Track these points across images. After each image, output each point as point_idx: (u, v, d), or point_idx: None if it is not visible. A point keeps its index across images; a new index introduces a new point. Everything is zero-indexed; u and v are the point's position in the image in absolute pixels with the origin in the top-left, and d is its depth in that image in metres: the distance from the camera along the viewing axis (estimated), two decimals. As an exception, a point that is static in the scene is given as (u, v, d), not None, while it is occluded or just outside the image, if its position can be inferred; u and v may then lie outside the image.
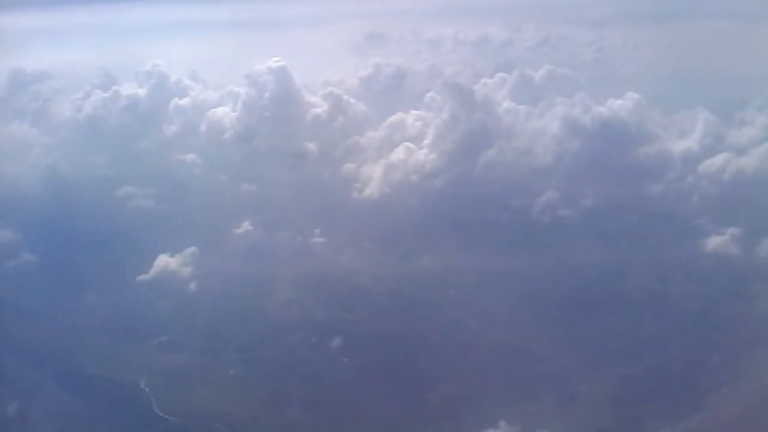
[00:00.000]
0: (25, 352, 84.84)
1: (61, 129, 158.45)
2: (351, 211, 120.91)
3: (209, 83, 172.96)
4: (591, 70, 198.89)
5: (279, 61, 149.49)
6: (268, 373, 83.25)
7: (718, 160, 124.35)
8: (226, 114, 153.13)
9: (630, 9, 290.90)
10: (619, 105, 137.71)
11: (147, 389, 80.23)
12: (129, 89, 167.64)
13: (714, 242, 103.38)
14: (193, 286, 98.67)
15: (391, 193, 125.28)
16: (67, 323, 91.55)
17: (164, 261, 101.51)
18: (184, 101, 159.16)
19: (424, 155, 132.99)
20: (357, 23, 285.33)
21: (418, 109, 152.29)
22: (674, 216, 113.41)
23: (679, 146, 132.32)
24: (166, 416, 76.13)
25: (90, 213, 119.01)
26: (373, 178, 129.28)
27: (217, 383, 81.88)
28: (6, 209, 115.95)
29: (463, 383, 78.73)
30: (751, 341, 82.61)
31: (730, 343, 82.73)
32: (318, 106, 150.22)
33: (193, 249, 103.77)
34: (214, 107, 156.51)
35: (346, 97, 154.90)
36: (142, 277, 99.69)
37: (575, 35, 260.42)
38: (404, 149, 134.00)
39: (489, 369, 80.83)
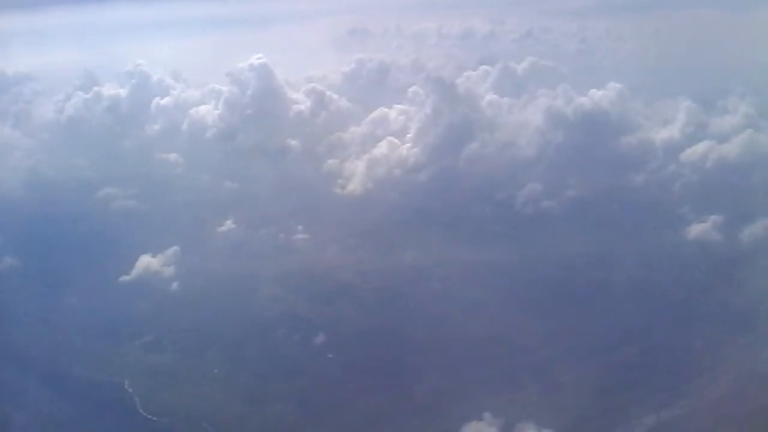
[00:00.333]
0: (8, 354, 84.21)
1: (42, 131, 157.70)
2: (334, 207, 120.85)
3: (191, 82, 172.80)
4: (574, 61, 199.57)
5: (260, 58, 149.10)
6: (253, 371, 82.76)
7: (700, 148, 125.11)
8: (208, 112, 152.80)
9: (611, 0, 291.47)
10: (601, 95, 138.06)
11: (131, 390, 79.64)
12: (111, 90, 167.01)
13: (696, 230, 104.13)
14: (175, 285, 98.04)
15: (374, 188, 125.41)
16: (50, 326, 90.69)
17: (146, 261, 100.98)
18: (166, 100, 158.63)
19: (407, 150, 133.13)
20: (340, 19, 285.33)
21: (401, 104, 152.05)
22: (657, 205, 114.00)
23: (661, 135, 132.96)
24: (150, 416, 75.62)
25: (72, 214, 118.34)
26: (356, 174, 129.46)
27: (202, 382, 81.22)
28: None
29: (448, 376, 78.81)
30: (734, 327, 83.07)
31: (713, 330, 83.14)
32: (300, 102, 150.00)
33: (175, 248, 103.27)
34: (197, 106, 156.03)
35: (328, 93, 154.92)
36: (125, 277, 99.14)
37: (558, 26, 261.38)
38: (387, 144, 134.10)
39: (473, 361, 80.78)
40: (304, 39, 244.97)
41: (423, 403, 74.97)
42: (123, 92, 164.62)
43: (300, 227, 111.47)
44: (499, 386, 76.39)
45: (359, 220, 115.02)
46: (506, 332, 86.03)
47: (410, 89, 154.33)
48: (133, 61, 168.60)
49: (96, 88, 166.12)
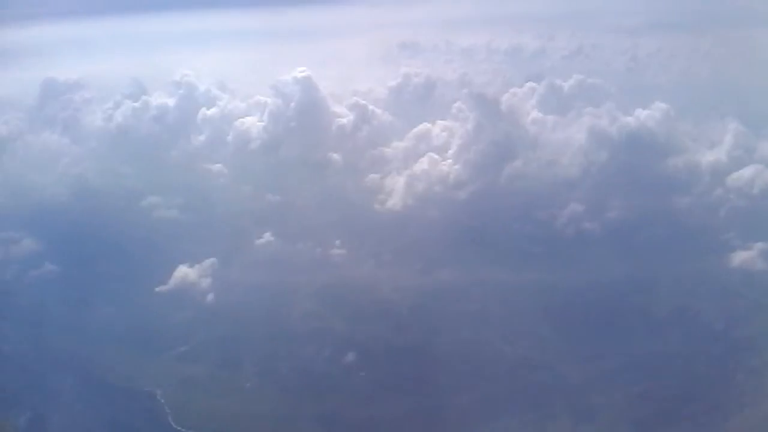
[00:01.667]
0: (43, 361, 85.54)
1: (91, 138, 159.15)
2: (373, 222, 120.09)
3: (238, 93, 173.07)
4: (623, 79, 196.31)
5: (304, 71, 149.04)
6: (285, 385, 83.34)
7: (747, 172, 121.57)
8: (253, 124, 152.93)
9: (666, 18, 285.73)
10: (647, 115, 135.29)
11: (163, 400, 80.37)
12: (158, 99, 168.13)
13: (741, 257, 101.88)
14: (211, 297, 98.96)
15: (414, 204, 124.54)
16: (86, 333, 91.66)
17: (183, 272, 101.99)
18: (212, 111, 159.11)
19: (448, 166, 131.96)
20: (389, 33, 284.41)
21: (446, 119, 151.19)
22: (701, 229, 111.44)
23: (708, 158, 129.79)
24: (180, 428, 76.12)
25: (114, 223, 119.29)
26: (396, 189, 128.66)
27: (233, 396, 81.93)
28: (32, 219, 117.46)
29: (479, 398, 78.40)
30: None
31: (755, 360, 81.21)
32: (343, 116, 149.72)
33: (212, 260, 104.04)
34: (242, 117, 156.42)
35: (371, 107, 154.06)
36: (162, 287, 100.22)
37: (610, 44, 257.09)
38: (428, 160, 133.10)
39: (507, 385, 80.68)
40: (352, 52, 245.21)
41: (453, 425, 74.45)
42: (170, 102, 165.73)
43: (338, 242, 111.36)
44: (530, 411, 75.89)
45: (397, 236, 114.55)
46: (542, 355, 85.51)
47: (454, 105, 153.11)
48: (181, 72, 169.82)
49: (144, 97, 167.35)
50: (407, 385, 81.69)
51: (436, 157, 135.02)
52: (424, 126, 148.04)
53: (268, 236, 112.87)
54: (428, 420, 76.37)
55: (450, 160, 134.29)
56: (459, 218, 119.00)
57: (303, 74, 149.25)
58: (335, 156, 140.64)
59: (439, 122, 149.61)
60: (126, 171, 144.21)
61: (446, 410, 77.72)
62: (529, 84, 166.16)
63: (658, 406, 76.27)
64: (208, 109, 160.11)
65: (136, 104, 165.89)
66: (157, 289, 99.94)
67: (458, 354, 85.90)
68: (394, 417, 76.63)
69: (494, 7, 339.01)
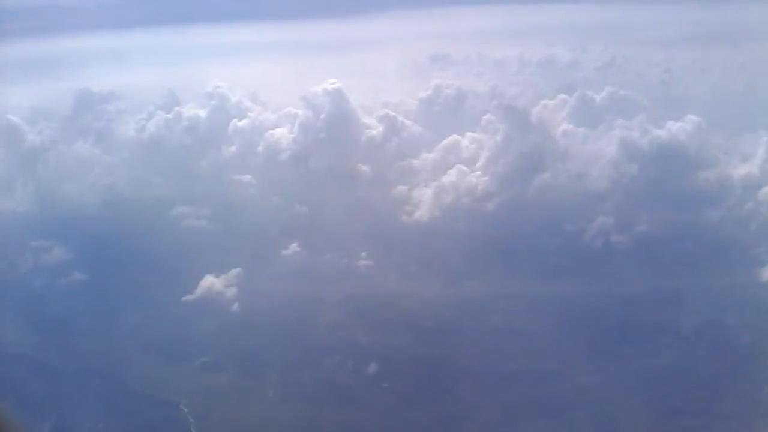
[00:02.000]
0: (69, 368, 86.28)
1: (123, 148, 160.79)
2: (400, 234, 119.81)
3: (270, 105, 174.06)
4: (656, 91, 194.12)
5: (335, 82, 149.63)
6: (308, 396, 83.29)
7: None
8: (283, 135, 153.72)
9: (702, 29, 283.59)
10: (679, 128, 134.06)
11: (186, 410, 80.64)
12: (191, 110, 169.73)
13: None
14: (236, 307, 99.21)
15: (442, 216, 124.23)
16: (112, 342, 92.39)
17: (209, 281, 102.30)
18: (244, 122, 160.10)
19: (477, 178, 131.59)
20: (421, 44, 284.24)
21: (476, 131, 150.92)
22: (731, 243, 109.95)
23: (739, 171, 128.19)
24: (203, 438, 76.48)
25: (143, 232, 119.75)
26: (423, 201, 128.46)
27: (257, 406, 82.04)
28: (62, 228, 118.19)
29: (502, 412, 77.86)
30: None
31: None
32: (373, 127, 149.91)
33: (238, 270, 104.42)
34: (273, 129, 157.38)
35: (401, 118, 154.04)
36: (188, 297, 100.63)
37: (643, 56, 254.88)
38: (456, 172, 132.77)
39: (530, 398, 79.89)
40: (384, 64, 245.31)
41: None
42: (202, 113, 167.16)
43: (364, 253, 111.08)
44: (551, 425, 75.11)
45: (424, 248, 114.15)
46: (565, 370, 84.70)
47: (484, 117, 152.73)
48: (213, 83, 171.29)
49: (177, 108, 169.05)
50: (429, 396, 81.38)
51: (465, 169, 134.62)
52: (453, 138, 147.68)
53: (294, 247, 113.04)
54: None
55: (478, 172, 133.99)
56: (486, 230, 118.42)
57: (333, 86, 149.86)
58: (364, 167, 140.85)
59: (469, 134, 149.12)
60: (157, 181, 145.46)
61: (467, 423, 77.31)
62: (561, 96, 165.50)
63: (683, 421, 75.32)
64: (239, 120, 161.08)
65: (169, 115, 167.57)
66: (183, 299, 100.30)
67: (481, 367, 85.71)
68: (415, 428, 76.21)
69: (527, 19, 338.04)
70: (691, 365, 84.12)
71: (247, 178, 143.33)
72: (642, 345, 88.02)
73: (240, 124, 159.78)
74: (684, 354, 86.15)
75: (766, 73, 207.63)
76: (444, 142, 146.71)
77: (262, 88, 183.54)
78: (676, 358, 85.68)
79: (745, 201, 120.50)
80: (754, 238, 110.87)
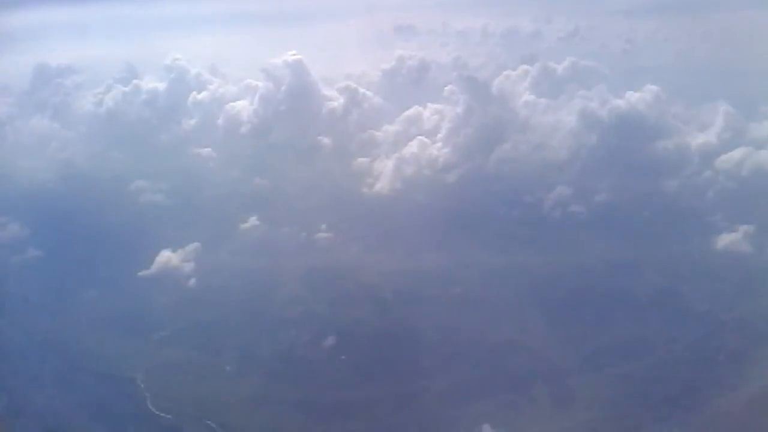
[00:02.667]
0: (24, 346, 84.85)
1: (81, 123, 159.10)
2: (360, 206, 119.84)
3: (230, 77, 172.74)
4: (618, 61, 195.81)
5: (295, 54, 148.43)
6: (265, 370, 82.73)
7: (737, 154, 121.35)
8: (243, 108, 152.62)
9: (664, 0, 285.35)
10: (638, 98, 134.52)
11: (143, 385, 79.84)
12: (149, 83, 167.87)
13: (726, 239, 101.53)
14: (193, 282, 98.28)
15: (402, 188, 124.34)
16: (67, 319, 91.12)
17: (166, 256, 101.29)
18: (203, 95, 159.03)
19: (437, 150, 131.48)
20: (385, 16, 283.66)
21: (439, 103, 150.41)
22: (688, 212, 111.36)
23: (697, 140, 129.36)
24: (158, 413, 75.68)
25: (100, 207, 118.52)
26: (385, 173, 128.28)
27: (213, 380, 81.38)
28: (19, 203, 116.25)
29: (457, 382, 78.01)
30: (757, 341, 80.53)
31: (738, 342, 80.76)
32: (334, 99, 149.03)
33: (195, 245, 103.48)
34: (233, 101, 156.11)
35: (362, 90, 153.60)
36: (144, 272, 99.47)
37: (606, 26, 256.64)
38: (418, 143, 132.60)
39: (485, 367, 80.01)
40: (347, 35, 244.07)
41: (427, 410, 74.24)
42: (161, 86, 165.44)
43: (324, 226, 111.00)
44: (508, 394, 75.42)
45: (384, 220, 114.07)
46: (522, 338, 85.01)
47: (446, 88, 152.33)
48: (172, 56, 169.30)
49: (135, 82, 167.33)
50: (389, 368, 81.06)
51: (426, 140, 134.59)
52: (415, 109, 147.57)
53: (253, 220, 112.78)
54: (408, 403, 75.88)
55: (440, 144, 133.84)
56: (447, 202, 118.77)
57: (294, 58, 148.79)
58: (325, 140, 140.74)
59: (431, 105, 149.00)
60: (115, 155, 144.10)
61: (427, 393, 77.28)
62: (523, 67, 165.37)
63: (640, 387, 75.78)
64: (198, 93, 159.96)
65: (127, 89, 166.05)
66: (140, 274, 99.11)
67: (441, 337, 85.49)
68: (370, 400, 76.12)
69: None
70: (647, 332, 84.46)
71: (206, 151, 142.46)
72: (600, 313, 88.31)
73: (199, 96, 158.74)
74: (641, 321, 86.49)
75: (726, 43, 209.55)
76: (406, 113, 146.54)
77: (221, 60, 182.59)
78: (633, 325, 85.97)
79: (703, 170, 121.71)
80: (711, 206, 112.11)
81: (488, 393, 75.90)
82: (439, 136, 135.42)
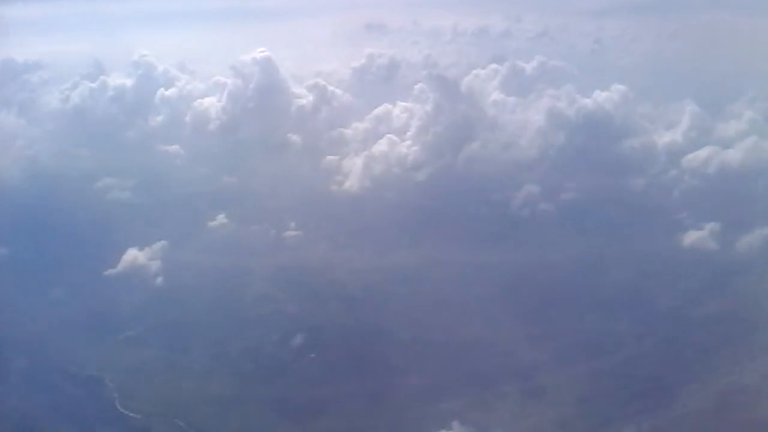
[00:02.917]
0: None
1: (47, 119, 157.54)
2: (329, 204, 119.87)
3: (198, 73, 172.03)
4: (586, 61, 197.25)
5: (263, 51, 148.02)
6: (234, 368, 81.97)
7: (703, 153, 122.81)
8: (212, 104, 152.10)
9: (633, 0, 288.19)
10: (605, 97, 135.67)
11: (111, 384, 79.13)
12: (117, 80, 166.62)
13: (692, 237, 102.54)
14: (160, 280, 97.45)
15: (372, 186, 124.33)
16: (34, 318, 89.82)
17: (133, 255, 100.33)
18: (171, 92, 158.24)
19: (407, 148, 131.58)
20: (357, 13, 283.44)
21: (408, 101, 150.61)
22: (655, 210, 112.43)
23: (664, 139, 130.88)
24: (127, 412, 75.06)
25: (67, 205, 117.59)
26: (354, 171, 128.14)
27: (182, 379, 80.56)
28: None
29: (427, 380, 77.79)
30: (723, 337, 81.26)
31: (704, 338, 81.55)
32: (303, 97, 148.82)
33: (162, 243, 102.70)
34: (201, 98, 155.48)
35: (331, 87, 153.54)
36: (111, 270, 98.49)
37: (575, 26, 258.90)
38: (387, 141, 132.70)
39: (455, 365, 79.90)
40: (318, 32, 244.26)
41: (397, 407, 73.91)
42: (128, 83, 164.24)
43: (293, 224, 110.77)
44: (478, 391, 75.46)
45: (353, 218, 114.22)
46: (492, 336, 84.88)
47: (416, 86, 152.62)
48: (139, 52, 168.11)
49: (102, 78, 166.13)
50: (359, 366, 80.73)
51: (395, 138, 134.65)
52: (384, 107, 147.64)
53: (221, 218, 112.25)
54: (378, 400, 75.78)
55: (409, 142, 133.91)
56: (416, 200, 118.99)
57: (262, 55, 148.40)
58: (294, 137, 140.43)
59: (400, 103, 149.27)
60: (82, 152, 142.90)
61: (397, 391, 77.07)
62: (492, 66, 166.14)
63: (610, 383, 76.24)
64: (166, 89, 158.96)
65: (94, 85, 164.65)
66: (106, 273, 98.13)
67: (411, 335, 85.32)
68: (339, 398, 75.95)
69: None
70: (616, 329, 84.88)
71: (174, 148, 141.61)
72: (569, 310, 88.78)
73: (167, 93, 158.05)
74: (609, 318, 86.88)
75: (693, 43, 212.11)
76: (375, 111, 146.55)
77: (190, 56, 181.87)
78: (602, 322, 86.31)
79: (669, 168, 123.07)
80: (678, 205, 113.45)
81: (458, 390, 75.71)
82: (409, 134, 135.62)
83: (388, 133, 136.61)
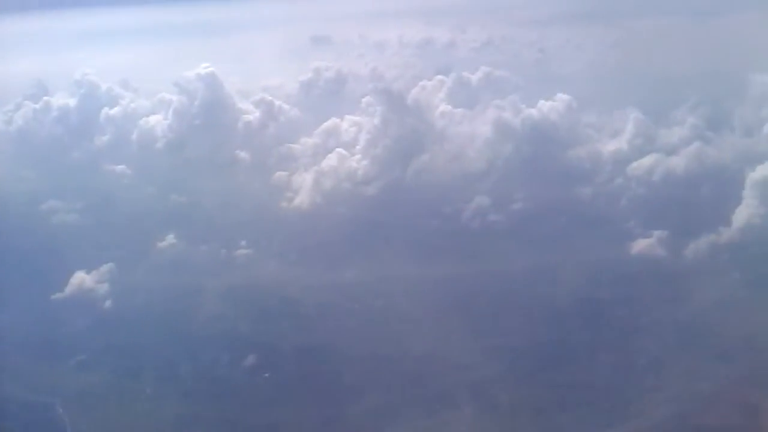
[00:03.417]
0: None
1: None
2: (280, 221, 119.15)
3: (142, 91, 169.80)
4: (531, 70, 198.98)
5: (207, 67, 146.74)
6: (187, 390, 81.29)
7: (647, 161, 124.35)
8: (158, 122, 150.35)
9: (577, 8, 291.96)
10: (550, 107, 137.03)
11: (61, 410, 77.90)
12: (60, 100, 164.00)
13: (640, 245, 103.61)
14: (108, 303, 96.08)
15: (322, 201, 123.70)
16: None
17: (80, 278, 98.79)
18: (115, 110, 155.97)
19: (356, 162, 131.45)
20: (302, 27, 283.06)
21: (356, 114, 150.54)
22: (603, 219, 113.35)
23: (609, 147, 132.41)
24: (79, 439, 74.05)
25: (12, 228, 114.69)
26: (303, 187, 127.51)
27: (134, 403, 79.72)
28: None
29: (382, 397, 77.89)
30: (674, 342, 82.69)
31: (654, 345, 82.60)
32: (250, 112, 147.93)
33: (110, 265, 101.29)
34: (146, 116, 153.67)
35: (278, 102, 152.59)
36: (58, 295, 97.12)
37: (520, 36, 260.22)
38: (336, 156, 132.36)
39: (409, 381, 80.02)
40: (263, 47, 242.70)
41: (351, 426, 74.04)
42: (72, 102, 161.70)
43: (243, 242, 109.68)
44: (432, 407, 75.70)
45: (304, 235, 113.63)
46: (446, 350, 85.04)
47: (363, 99, 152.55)
48: (82, 70, 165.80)
49: (45, 98, 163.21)
50: (313, 385, 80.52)
51: (345, 152, 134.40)
52: (333, 121, 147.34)
53: (170, 238, 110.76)
54: (333, 419, 75.61)
55: (358, 156, 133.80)
56: (366, 214, 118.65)
57: (206, 70, 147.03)
58: (242, 154, 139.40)
59: (348, 117, 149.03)
60: (26, 174, 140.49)
61: (351, 409, 77.01)
62: (439, 77, 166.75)
63: (563, 392, 76.81)
64: (110, 108, 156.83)
65: (37, 106, 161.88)
66: (53, 297, 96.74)
67: (365, 351, 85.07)
68: (294, 417, 75.74)
69: (408, 0, 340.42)
70: (568, 338, 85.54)
71: (120, 168, 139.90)
72: (521, 321, 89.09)
73: (111, 112, 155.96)
74: (561, 328, 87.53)
75: (636, 49, 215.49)
76: (324, 125, 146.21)
77: (133, 73, 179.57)
78: (553, 332, 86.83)
79: (615, 177, 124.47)
80: (625, 213, 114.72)
81: (412, 407, 76.08)
82: (358, 148, 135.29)
83: (338, 147, 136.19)
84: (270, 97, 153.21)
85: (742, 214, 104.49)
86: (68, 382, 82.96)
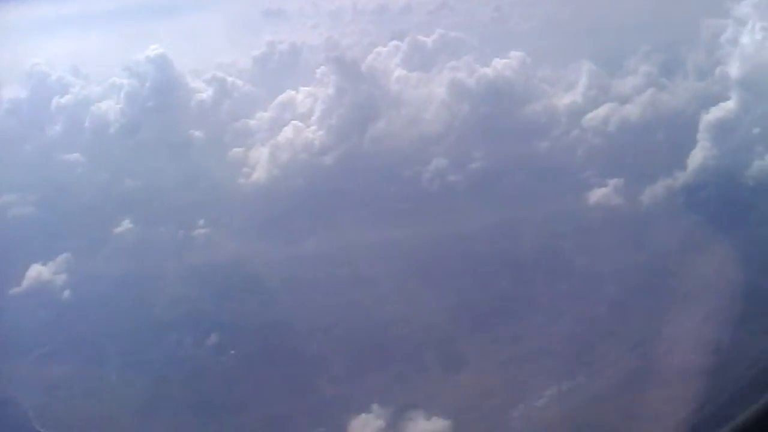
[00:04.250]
0: None
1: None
2: (238, 197, 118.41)
3: (93, 77, 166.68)
4: (487, 30, 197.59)
5: (156, 48, 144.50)
6: (153, 374, 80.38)
7: (602, 111, 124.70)
8: (110, 108, 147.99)
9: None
10: (504, 64, 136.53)
11: (26, 404, 76.78)
12: (10, 92, 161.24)
13: (597, 194, 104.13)
14: (67, 293, 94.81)
15: (280, 175, 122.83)
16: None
17: (37, 270, 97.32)
18: (66, 99, 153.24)
19: (313, 133, 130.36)
20: (254, 1, 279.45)
21: (311, 85, 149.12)
22: (560, 171, 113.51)
23: (564, 101, 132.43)
24: (45, 431, 73.04)
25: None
26: (261, 161, 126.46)
27: (100, 391, 78.88)
28: None
29: (350, 365, 77.72)
30: (634, 288, 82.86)
31: (617, 292, 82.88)
32: (202, 91, 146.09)
33: (66, 255, 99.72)
34: (98, 102, 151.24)
35: (231, 79, 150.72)
36: (16, 289, 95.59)
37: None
38: (292, 128, 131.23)
39: (377, 346, 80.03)
40: (215, 24, 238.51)
41: (318, 396, 73.81)
42: (22, 94, 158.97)
43: (201, 221, 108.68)
44: (398, 370, 75.66)
45: (263, 210, 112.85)
46: (411, 312, 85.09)
47: (318, 70, 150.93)
48: (30, 61, 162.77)
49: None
50: (281, 358, 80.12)
51: (301, 124, 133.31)
52: (287, 94, 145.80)
53: (127, 223, 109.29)
54: (300, 391, 75.26)
55: (314, 127, 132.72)
56: (325, 184, 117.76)
57: (156, 52, 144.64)
58: (196, 133, 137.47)
59: (304, 89, 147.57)
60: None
61: (320, 378, 76.76)
62: (394, 42, 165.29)
63: (528, 347, 77.01)
64: (61, 97, 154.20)
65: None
66: (11, 292, 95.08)
67: (331, 320, 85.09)
68: (262, 392, 75.35)
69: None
70: (532, 291, 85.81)
71: (74, 156, 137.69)
72: (485, 277, 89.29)
73: (62, 101, 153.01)
74: (524, 281, 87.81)
75: (590, 2, 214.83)
76: (278, 99, 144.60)
77: (83, 60, 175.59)
78: (517, 286, 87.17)
79: (571, 129, 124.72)
80: (581, 164, 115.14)
81: (378, 372, 76.04)
82: (313, 119, 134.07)
83: (293, 120, 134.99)
84: (222, 74, 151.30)
85: (697, 156, 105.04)
86: (31, 376, 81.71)
